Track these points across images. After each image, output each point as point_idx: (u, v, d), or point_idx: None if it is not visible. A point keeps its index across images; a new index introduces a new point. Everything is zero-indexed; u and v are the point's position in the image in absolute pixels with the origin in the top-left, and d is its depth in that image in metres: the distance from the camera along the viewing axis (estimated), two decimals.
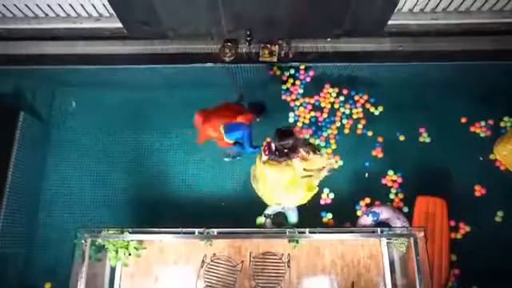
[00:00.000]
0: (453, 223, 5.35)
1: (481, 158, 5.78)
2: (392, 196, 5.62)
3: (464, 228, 5.37)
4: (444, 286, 4.93)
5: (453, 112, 6.04)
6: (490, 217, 5.48)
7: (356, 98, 6.24)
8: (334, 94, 6.24)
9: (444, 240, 5.08)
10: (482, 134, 5.92)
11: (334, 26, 5.92)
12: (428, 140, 5.92)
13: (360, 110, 6.18)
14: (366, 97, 6.23)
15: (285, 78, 6.31)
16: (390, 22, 6.01)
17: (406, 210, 5.48)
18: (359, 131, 6.06)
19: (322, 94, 6.25)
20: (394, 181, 5.69)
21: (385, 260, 4.46)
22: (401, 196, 5.60)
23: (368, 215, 5.19)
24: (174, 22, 5.82)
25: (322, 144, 5.97)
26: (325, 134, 6.04)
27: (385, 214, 5.16)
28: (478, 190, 5.60)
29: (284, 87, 6.27)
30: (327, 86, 6.25)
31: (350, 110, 6.18)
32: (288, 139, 4.12)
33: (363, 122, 6.11)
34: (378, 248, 4.49)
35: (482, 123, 5.95)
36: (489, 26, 6.23)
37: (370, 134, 6.03)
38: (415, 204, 5.28)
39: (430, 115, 6.04)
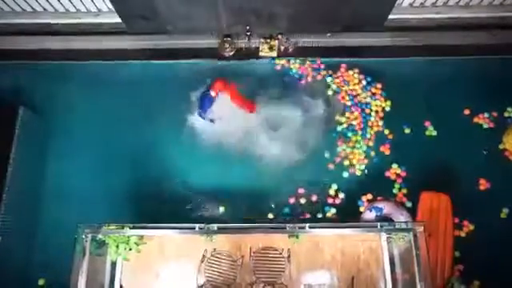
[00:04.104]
0: (456, 220, 5.29)
1: (484, 152, 5.74)
2: (395, 191, 5.60)
3: (468, 226, 5.32)
4: (447, 281, 4.93)
5: (456, 105, 5.96)
6: (495, 213, 5.41)
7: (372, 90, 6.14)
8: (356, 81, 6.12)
9: (448, 236, 5.06)
10: (485, 126, 5.85)
11: (333, 20, 5.91)
12: (434, 133, 5.86)
13: (378, 102, 6.07)
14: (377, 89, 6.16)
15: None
16: (390, 17, 6.00)
17: (409, 205, 5.45)
18: (380, 128, 5.94)
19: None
20: (398, 175, 5.65)
21: (385, 255, 4.46)
22: (404, 191, 5.57)
23: (371, 210, 5.18)
24: (173, 17, 5.80)
25: (364, 148, 5.78)
26: (368, 136, 5.87)
27: (388, 209, 5.16)
28: (483, 184, 5.54)
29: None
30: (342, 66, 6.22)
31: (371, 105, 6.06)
32: None
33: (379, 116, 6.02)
34: (378, 243, 4.50)
35: (486, 115, 5.88)
36: (489, 21, 6.22)
37: (386, 132, 5.87)
38: (420, 200, 5.24)
39: (435, 108, 5.96)
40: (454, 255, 5.05)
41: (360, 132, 5.88)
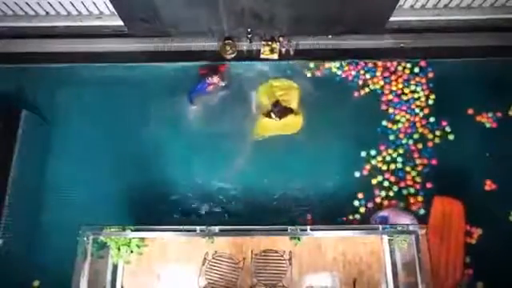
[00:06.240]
0: (468, 227, 5.24)
1: (487, 154, 5.72)
2: (405, 193, 5.56)
3: (476, 232, 5.28)
4: (458, 284, 4.96)
5: (462, 105, 5.91)
6: (503, 216, 5.37)
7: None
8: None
9: (459, 240, 5.06)
10: (488, 125, 5.80)
11: (334, 23, 5.91)
12: (452, 137, 5.78)
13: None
14: None
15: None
16: (391, 19, 6.01)
17: (422, 212, 5.40)
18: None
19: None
20: (417, 182, 5.58)
21: (386, 257, 4.46)
22: (418, 196, 5.51)
23: (376, 222, 5.12)
24: (175, 20, 5.82)
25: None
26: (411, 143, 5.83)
27: (392, 216, 5.10)
28: (489, 185, 5.48)
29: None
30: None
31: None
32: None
33: None
34: (380, 245, 4.50)
35: (490, 114, 5.82)
36: (490, 22, 6.22)
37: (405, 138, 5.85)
38: (432, 203, 5.24)
39: (440, 110, 5.94)
40: (465, 258, 5.05)
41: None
